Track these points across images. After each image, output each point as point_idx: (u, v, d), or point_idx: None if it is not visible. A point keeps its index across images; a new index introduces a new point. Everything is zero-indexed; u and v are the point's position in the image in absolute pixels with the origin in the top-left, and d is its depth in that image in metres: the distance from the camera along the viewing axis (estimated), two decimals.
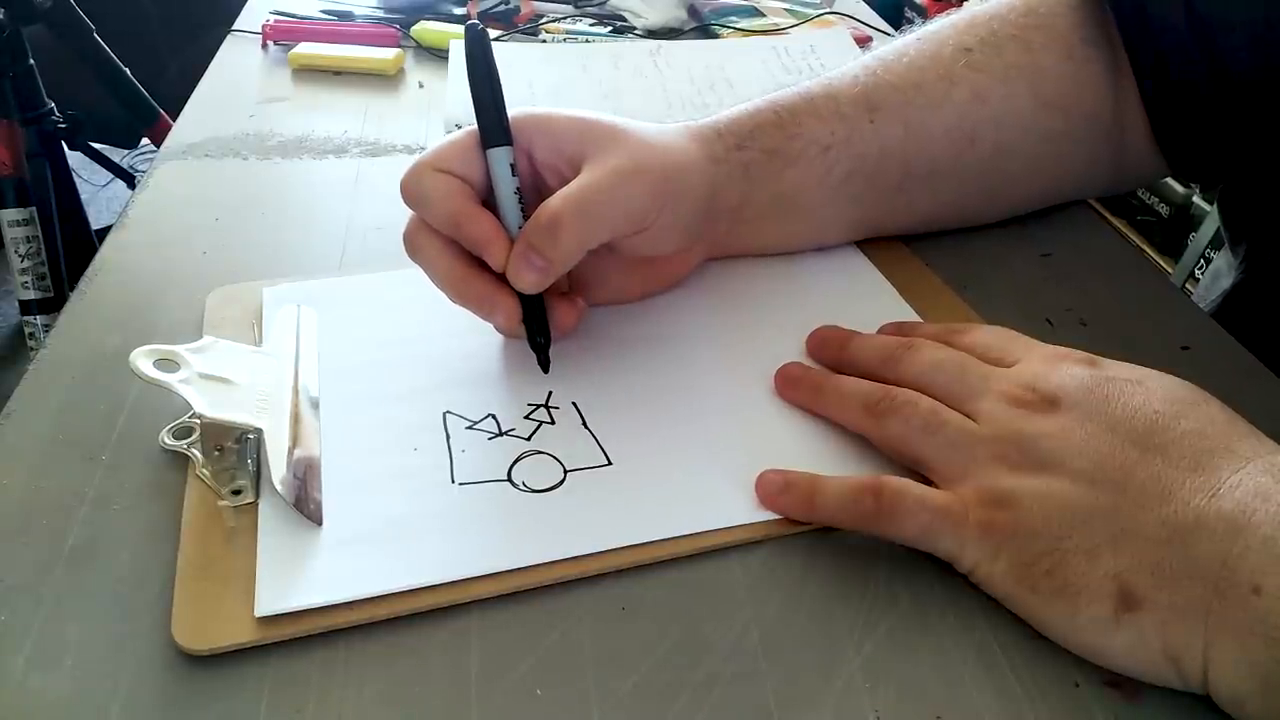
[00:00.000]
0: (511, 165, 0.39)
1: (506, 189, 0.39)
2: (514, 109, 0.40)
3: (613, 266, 0.43)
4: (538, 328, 0.40)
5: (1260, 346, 0.44)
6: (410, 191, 0.39)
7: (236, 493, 0.35)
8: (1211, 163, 0.50)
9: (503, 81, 0.40)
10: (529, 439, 0.38)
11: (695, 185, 0.43)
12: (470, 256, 0.39)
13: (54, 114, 1.42)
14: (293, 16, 0.81)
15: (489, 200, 0.40)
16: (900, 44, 0.50)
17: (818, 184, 0.46)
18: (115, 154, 1.73)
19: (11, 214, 1.35)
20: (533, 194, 0.41)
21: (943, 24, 0.50)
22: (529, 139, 0.40)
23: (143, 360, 0.36)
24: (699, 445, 0.38)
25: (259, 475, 0.36)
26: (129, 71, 1.52)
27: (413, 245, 0.40)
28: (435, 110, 0.67)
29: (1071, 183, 0.53)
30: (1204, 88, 0.46)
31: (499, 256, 0.38)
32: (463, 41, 0.40)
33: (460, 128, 0.62)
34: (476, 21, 0.40)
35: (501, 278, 0.39)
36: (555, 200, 0.38)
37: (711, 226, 0.45)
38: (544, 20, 0.82)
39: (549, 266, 0.38)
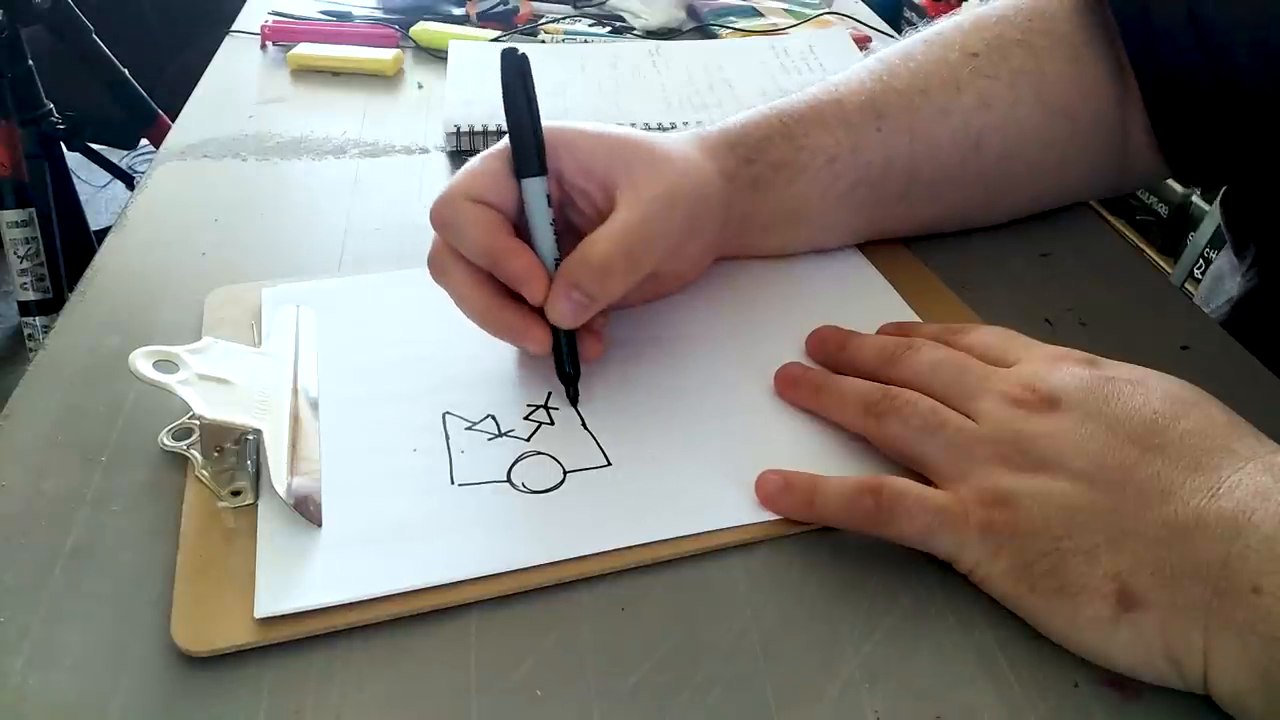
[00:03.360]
0: (548, 196, 0.39)
1: (542, 220, 0.39)
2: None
3: None
4: (569, 360, 0.39)
5: (1274, 354, 0.44)
6: (443, 221, 0.39)
7: (236, 494, 0.35)
8: (1213, 166, 0.50)
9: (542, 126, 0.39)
10: (528, 440, 0.38)
11: (717, 207, 0.43)
12: (498, 283, 0.39)
13: (53, 115, 1.42)
14: (291, 17, 0.81)
15: (520, 225, 0.39)
16: (905, 47, 0.49)
17: (822, 195, 0.46)
18: (114, 155, 1.72)
19: (10, 215, 1.35)
20: (560, 211, 0.41)
21: (947, 26, 0.50)
22: (556, 159, 0.40)
23: (142, 361, 0.36)
24: (699, 445, 0.38)
25: (258, 476, 0.36)
26: (128, 72, 1.52)
27: (439, 269, 0.40)
28: (434, 111, 0.67)
29: (1075, 186, 0.53)
30: (1206, 90, 0.46)
31: (539, 294, 0.38)
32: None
33: (459, 129, 0.62)
34: (516, 46, 0.39)
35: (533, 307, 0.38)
36: (603, 242, 0.38)
37: (721, 238, 0.46)
38: (543, 21, 0.82)
39: (592, 305, 0.38)
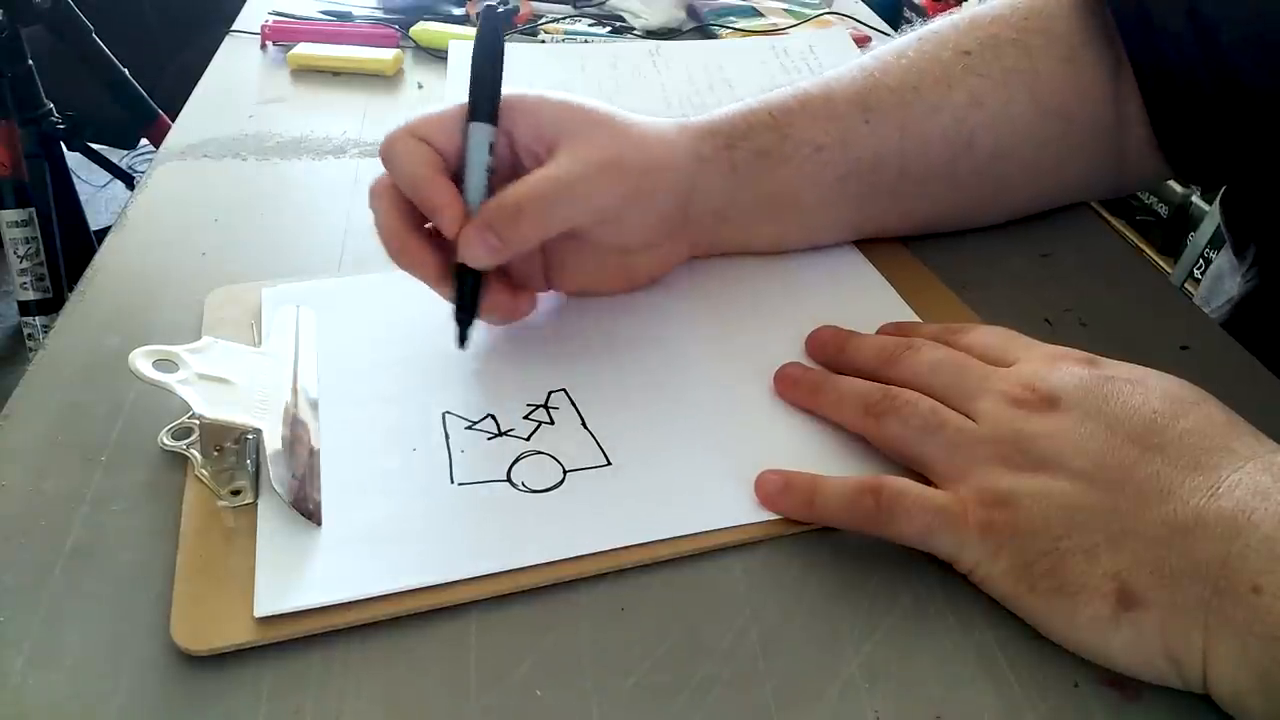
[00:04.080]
0: (490, 145, 0.40)
1: (478, 165, 0.40)
2: (508, 89, 0.40)
3: (586, 255, 0.43)
4: (466, 303, 0.40)
5: (1275, 353, 0.44)
6: (384, 152, 0.40)
7: (236, 493, 0.35)
8: (1215, 165, 0.50)
9: (503, 84, 0.40)
10: (528, 439, 0.38)
11: (672, 183, 0.43)
12: (416, 220, 0.40)
13: (53, 115, 1.42)
14: (292, 17, 0.81)
15: (459, 175, 0.40)
16: (900, 44, 0.49)
17: (811, 185, 0.46)
18: (114, 155, 1.72)
19: (10, 215, 1.35)
20: (510, 175, 0.41)
21: (943, 24, 0.50)
22: (513, 121, 0.41)
23: (142, 361, 0.36)
24: (699, 445, 0.38)
25: (258, 476, 0.36)
26: (128, 72, 1.52)
27: (372, 196, 0.41)
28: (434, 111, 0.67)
29: (1071, 187, 0.53)
30: (1207, 89, 0.46)
31: (451, 225, 0.38)
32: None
33: None
34: (497, 4, 0.41)
35: (446, 247, 0.39)
36: (521, 185, 0.38)
37: (693, 225, 0.46)
38: (543, 21, 0.82)
39: (502, 248, 0.38)
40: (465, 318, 0.40)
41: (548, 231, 0.39)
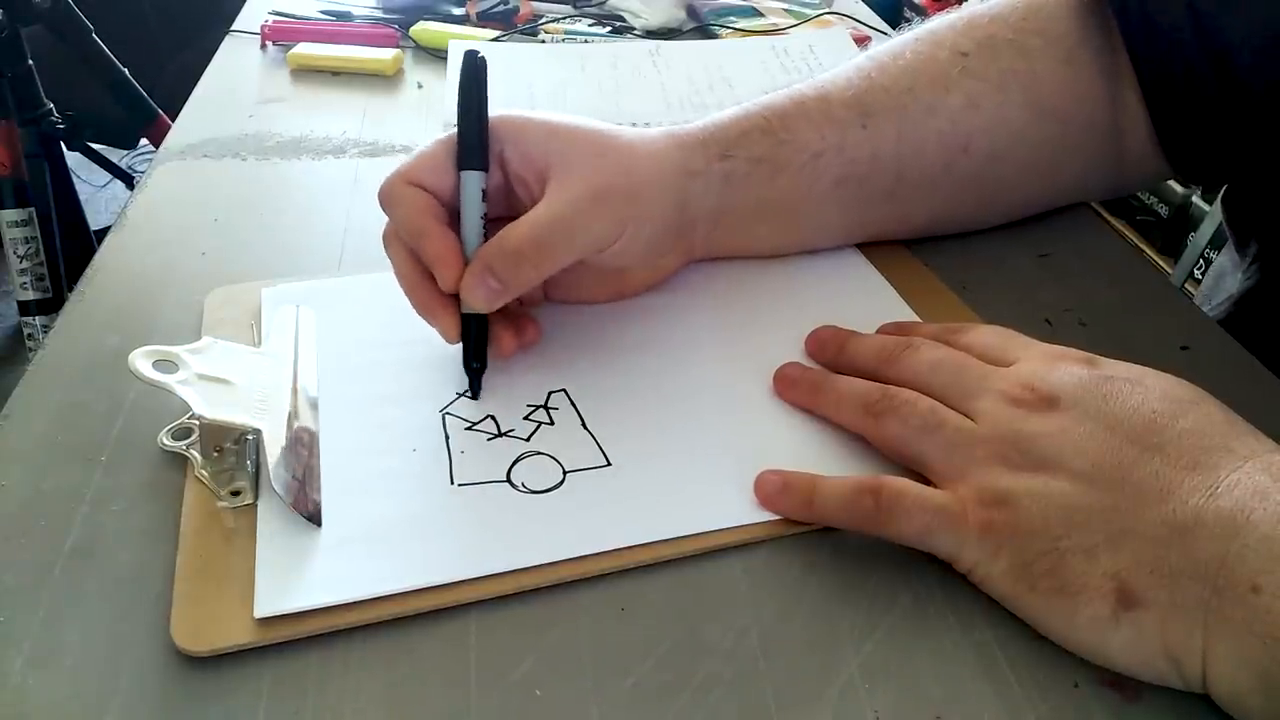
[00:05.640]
0: (483, 192, 0.40)
1: (473, 213, 0.40)
2: (495, 110, 0.40)
3: (583, 273, 0.43)
4: (475, 352, 0.40)
5: (1275, 351, 0.44)
6: (384, 201, 0.40)
7: (235, 494, 0.35)
8: (1216, 165, 0.50)
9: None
10: (528, 440, 0.38)
11: (662, 203, 0.43)
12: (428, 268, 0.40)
13: (53, 114, 1.42)
14: (291, 17, 0.81)
15: (456, 215, 0.40)
16: (897, 45, 0.49)
17: (807, 190, 0.46)
18: (114, 154, 1.72)
19: (10, 215, 1.35)
20: (503, 200, 0.41)
21: (941, 24, 0.50)
22: (502, 146, 0.41)
23: (141, 361, 0.36)
24: (699, 445, 0.38)
25: (258, 476, 0.36)
26: (128, 72, 1.52)
27: (386, 244, 0.41)
28: (434, 111, 0.67)
29: (1069, 188, 0.53)
30: (1208, 90, 0.46)
31: (448, 277, 0.39)
32: (461, 55, 0.40)
33: None
34: (477, 50, 0.41)
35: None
36: (518, 228, 0.38)
37: (686, 235, 0.45)
38: (543, 20, 0.82)
39: (503, 290, 0.38)
40: (478, 368, 0.40)
41: (547, 272, 0.39)
